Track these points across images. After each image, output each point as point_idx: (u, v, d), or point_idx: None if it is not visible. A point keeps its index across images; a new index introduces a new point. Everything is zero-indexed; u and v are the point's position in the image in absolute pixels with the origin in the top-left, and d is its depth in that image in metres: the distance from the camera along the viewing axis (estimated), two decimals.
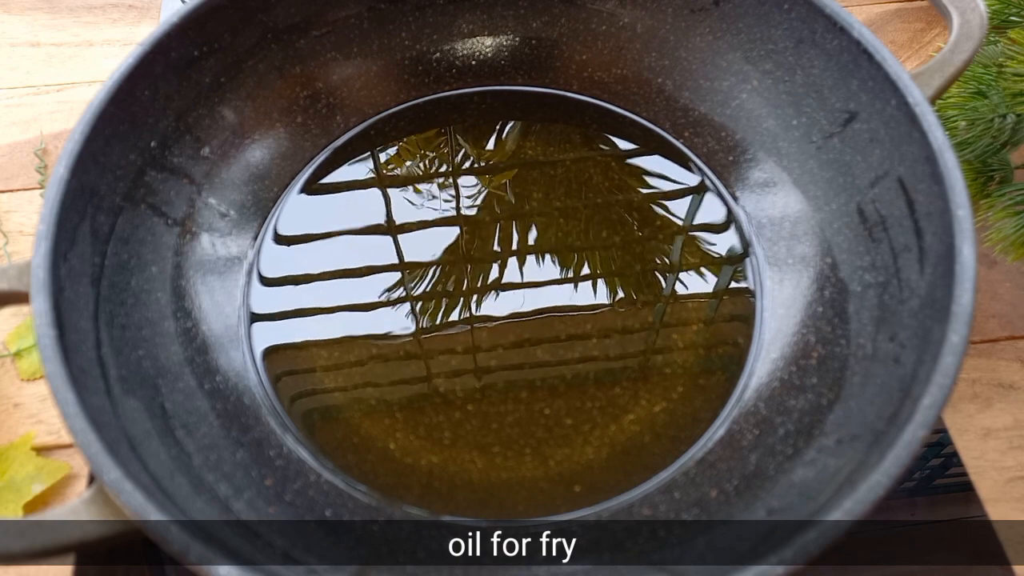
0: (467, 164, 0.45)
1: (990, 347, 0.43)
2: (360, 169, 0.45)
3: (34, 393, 0.42)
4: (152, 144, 0.39)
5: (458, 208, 0.44)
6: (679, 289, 0.40)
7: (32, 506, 0.39)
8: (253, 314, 0.40)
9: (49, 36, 0.57)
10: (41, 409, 0.42)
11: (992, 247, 0.42)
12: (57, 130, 0.52)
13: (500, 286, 0.41)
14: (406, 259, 0.42)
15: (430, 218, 0.43)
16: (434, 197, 0.44)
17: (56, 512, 0.28)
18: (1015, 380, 0.42)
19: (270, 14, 0.41)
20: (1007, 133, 0.42)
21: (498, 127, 0.46)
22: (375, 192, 0.44)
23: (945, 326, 0.29)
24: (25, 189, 0.50)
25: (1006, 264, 0.45)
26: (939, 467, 0.40)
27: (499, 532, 0.34)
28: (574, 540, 0.33)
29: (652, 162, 0.45)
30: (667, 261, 0.41)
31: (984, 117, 0.42)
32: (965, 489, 0.39)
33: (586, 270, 0.41)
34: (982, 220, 0.43)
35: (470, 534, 0.34)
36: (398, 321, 0.40)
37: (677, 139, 0.45)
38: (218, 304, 0.39)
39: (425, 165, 0.45)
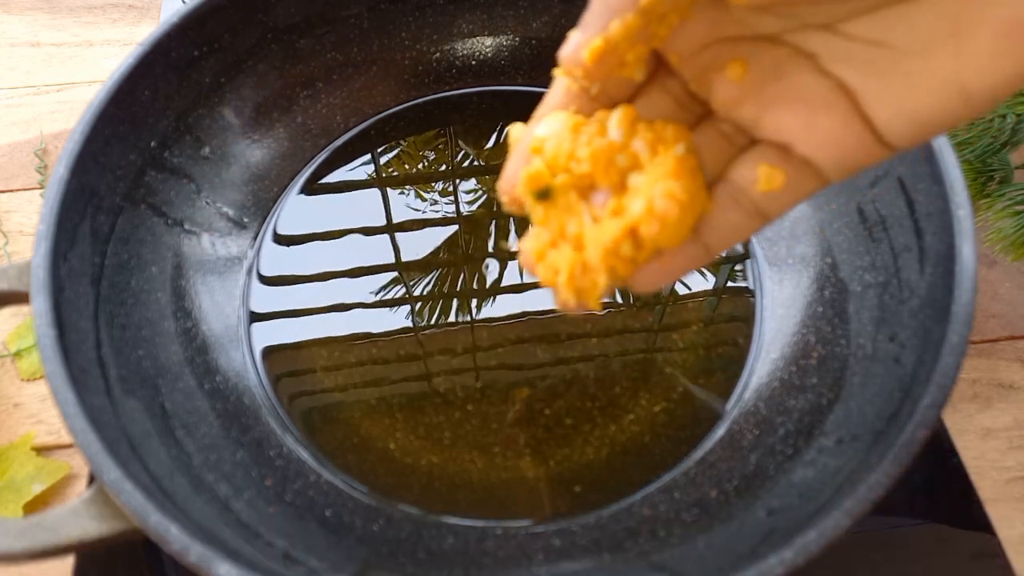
0: (467, 164, 0.45)
1: (990, 347, 0.43)
2: (360, 169, 0.45)
3: (34, 393, 0.42)
4: (152, 144, 0.39)
5: (457, 208, 0.44)
6: (679, 289, 0.40)
7: (32, 506, 0.39)
8: (253, 314, 0.40)
9: (49, 36, 0.57)
10: (41, 409, 0.42)
11: (992, 247, 0.42)
12: (57, 130, 0.52)
13: (499, 287, 0.41)
14: (406, 259, 0.42)
15: (430, 218, 0.43)
16: (436, 202, 0.44)
17: (56, 512, 0.28)
18: (1015, 380, 0.42)
19: (270, 14, 0.41)
20: (1007, 133, 0.42)
21: (498, 127, 0.46)
22: (375, 192, 0.44)
23: (945, 326, 0.29)
24: (25, 189, 0.50)
25: (1006, 264, 0.45)
26: (938, 466, 0.40)
27: (499, 532, 0.34)
28: (574, 540, 0.33)
29: None
30: None
31: (984, 117, 0.42)
32: (965, 489, 0.39)
33: None
34: (982, 220, 0.43)
35: (470, 534, 0.34)
36: (398, 321, 0.40)
37: None
38: (218, 304, 0.39)
39: (425, 165, 0.45)
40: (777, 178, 0.22)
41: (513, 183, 0.23)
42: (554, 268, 0.23)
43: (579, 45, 0.21)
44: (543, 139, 0.23)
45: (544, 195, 0.23)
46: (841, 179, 0.22)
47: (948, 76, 0.19)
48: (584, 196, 0.23)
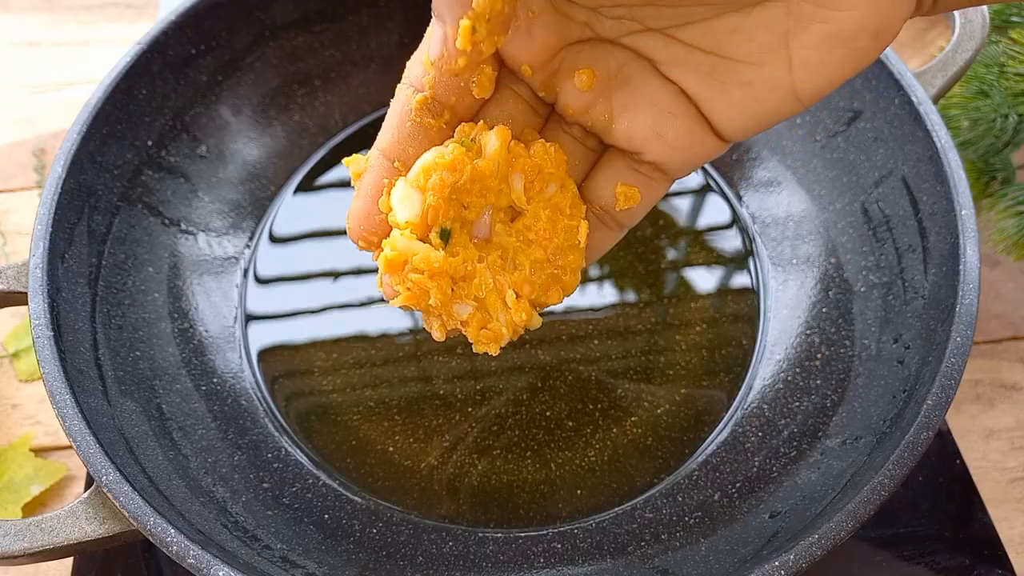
0: None
1: (992, 348, 0.43)
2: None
3: (32, 394, 0.42)
4: (149, 143, 0.38)
5: None
6: (682, 290, 0.40)
7: (31, 507, 0.38)
8: (249, 315, 0.40)
9: (48, 36, 0.57)
10: (39, 410, 0.42)
11: (994, 247, 0.42)
12: (55, 129, 0.52)
13: None
14: None
15: None
16: None
17: (55, 514, 0.28)
18: (1017, 381, 0.42)
19: (268, 11, 0.41)
20: (1009, 133, 0.42)
21: None
22: None
23: (949, 327, 0.29)
24: (23, 189, 0.49)
25: (1008, 264, 0.45)
26: (941, 468, 0.40)
27: (499, 536, 0.34)
28: (576, 544, 0.33)
29: None
30: (671, 261, 0.41)
31: (987, 117, 0.42)
32: (967, 490, 0.38)
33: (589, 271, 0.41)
34: (984, 220, 0.42)
35: (470, 538, 0.33)
36: (397, 321, 0.39)
37: None
38: (214, 305, 0.39)
39: None
40: (634, 195, 0.24)
41: (367, 226, 0.24)
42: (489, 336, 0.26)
43: (447, 37, 0.20)
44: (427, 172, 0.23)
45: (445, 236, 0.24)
46: (685, 175, 0.24)
47: (782, 82, 0.21)
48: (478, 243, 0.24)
